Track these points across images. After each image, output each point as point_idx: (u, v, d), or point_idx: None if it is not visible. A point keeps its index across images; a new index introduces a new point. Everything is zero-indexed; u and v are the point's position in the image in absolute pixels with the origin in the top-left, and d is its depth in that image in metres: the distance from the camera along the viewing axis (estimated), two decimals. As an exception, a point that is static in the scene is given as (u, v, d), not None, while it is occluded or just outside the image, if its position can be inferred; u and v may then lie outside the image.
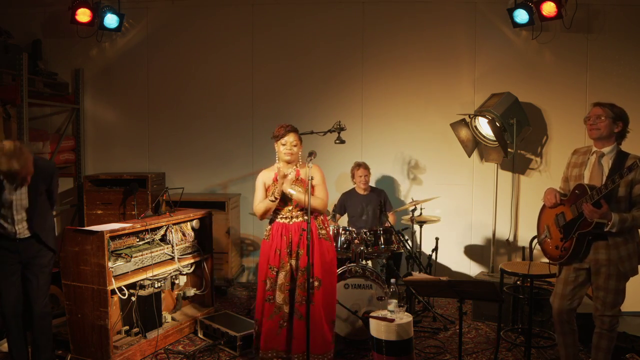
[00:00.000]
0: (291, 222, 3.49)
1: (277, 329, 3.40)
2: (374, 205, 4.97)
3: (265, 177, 3.57)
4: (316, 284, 3.42)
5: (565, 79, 5.31)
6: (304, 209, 3.46)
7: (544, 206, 3.37)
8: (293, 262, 3.45)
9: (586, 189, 3.02)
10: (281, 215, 3.51)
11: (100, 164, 5.85)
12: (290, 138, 3.45)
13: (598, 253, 3.07)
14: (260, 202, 3.50)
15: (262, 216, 3.54)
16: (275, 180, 3.48)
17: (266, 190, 3.54)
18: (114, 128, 5.94)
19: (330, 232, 3.68)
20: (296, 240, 3.45)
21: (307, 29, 5.67)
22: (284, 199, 3.47)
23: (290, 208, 3.50)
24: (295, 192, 3.43)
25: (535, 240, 3.40)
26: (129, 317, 3.97)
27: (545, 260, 3.42)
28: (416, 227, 4.92)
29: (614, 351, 3.13)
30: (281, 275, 3.43)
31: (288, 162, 3.51)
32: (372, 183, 5.20)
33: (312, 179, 3.33)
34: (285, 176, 3.41)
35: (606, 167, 3.06)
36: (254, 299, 5.12)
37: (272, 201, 3.43)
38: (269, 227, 3.58)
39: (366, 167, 5.02)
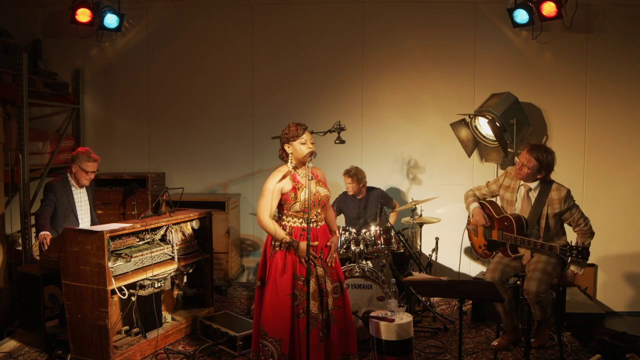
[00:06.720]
0: (318, 226, 3.29)
1: (317, 344, 3.18)
2: (372, 207, 4.96)
3: (283, 183, 3.23)
4: (344, 286, 3.40)
5: (565, 79, 5.31)
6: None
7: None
8: (319, 268, 3.25)
9: (513, 228, 3.47)
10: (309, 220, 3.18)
11: (100, 164, 5.81)
12: (308, 136, 3.26)
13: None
14: (274, 225, 3.22)
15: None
16: (296, 180, 3.23)
17: (283, 195, 3.22)
18: (114, 128, 5.94)
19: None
20: (321, 245, 3.29)
21: (307, 29, 5.67)
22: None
23: (319, 211, 3.28)
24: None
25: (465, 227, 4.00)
26: (129, 317, 3.98)
27: None
28: (416, 227, 4.91)
29: (613, 351, 3.14)
30: (312, 283, 3.19)
31: (303, 164, 3.24)
32: (371, 184, 5.19)
33: (312, 178, 3.25)
34: (315, 257, 3.24)
35: (533, 199, 3.54)
36: (254, 299, 5.13)
37: (281, 239, 3.20)
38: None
39: (352, 176, 4.90)
